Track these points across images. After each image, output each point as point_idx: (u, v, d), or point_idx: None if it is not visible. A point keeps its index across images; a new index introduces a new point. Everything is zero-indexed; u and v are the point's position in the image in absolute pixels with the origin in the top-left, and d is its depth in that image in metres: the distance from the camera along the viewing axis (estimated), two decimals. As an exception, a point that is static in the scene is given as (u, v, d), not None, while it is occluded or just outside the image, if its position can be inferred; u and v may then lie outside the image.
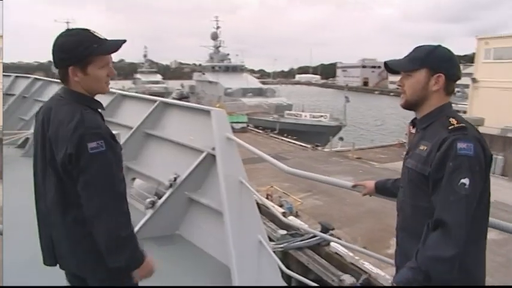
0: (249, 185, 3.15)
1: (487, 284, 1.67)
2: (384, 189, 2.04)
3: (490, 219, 1.63)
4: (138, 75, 75.66)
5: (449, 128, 1.51)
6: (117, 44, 1.70)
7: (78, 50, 1.61)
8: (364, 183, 2.14)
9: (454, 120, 1.54)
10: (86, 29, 1.68)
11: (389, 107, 66.57)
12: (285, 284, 3.13)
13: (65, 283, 1.94)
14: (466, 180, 1.43)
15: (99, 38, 1.66)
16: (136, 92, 6.54)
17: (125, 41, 1.72)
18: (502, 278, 8.28)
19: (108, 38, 1.72)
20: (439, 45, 1.67)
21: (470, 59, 24.04)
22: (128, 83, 66.87)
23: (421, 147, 1.58)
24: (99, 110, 1.76)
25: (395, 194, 1.90)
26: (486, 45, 22.75)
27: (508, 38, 22.31)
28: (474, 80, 23.02)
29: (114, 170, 1.63)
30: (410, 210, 1.66)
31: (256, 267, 2.89)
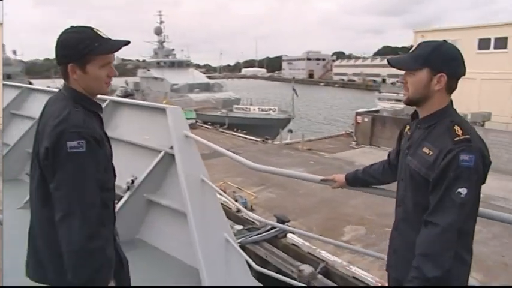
0: (211, 183, 3.08)
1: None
2: (355, 180, 2.10)
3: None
4: (77, 73, 72.01)
5: (455, 139, 1.54)
6: (118, 44, 1.66)
7: (78, 47, 1.58)
8: (334, 177, 2.17)
9: (459, 129, 1.57)
10: (90, 27, 1.65)
11: (334, 98, 68.68)
12: (255, 281, 3.10)
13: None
14: (463, 190, 1.50)
15: (102, 37, 1.63)
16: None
17: (128, 42, 1.69)
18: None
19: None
20: (444, 42, 1.66)
21: (407, 50, 25.24)
22: (66, 82, 63.34)
23: (426, 150, 1.63)
24: (96, 111, 1.71)
25: (369, 181, 2.04)
26: (422, 37, 24.00)
27: (441, 31, 23.80)
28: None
29: (89, 174, 1.53)
30: (412, 204, 1.73)
31: (225, 266, 2.84)
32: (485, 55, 20.94)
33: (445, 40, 1.69)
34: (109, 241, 1.64)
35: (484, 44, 21.29)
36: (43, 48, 39.23)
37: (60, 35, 1.62)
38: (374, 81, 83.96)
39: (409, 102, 1.74)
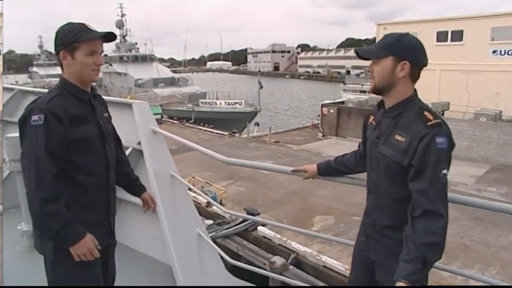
0: (181, 178, 3.05)
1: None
2: (328, 170, 2.15)
3: None
4: (34, 69, 69.06)
5: (428, 124, 1.64)
6: (100, 33, 1.88)
7: (68, 36, 1.84)
8: (305, 168, 2.20)
9: (429, 115, 1.67)
10: (82, 23, 1.89)
11: (300, 90, 69.34)
12: (229, 274, 3.10)
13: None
14: (445, 171, 1.62)
15: (90, 28, 1.87)
16: (35, 88, 5.88)
17: (111, 32, 1.92)
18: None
19: None
20: (407, 34, 1.77)
21: (371, 42, 25.82)
22: (22, 78, 60.53)
23: (398, 137, 1.71)
24: (80, 97, 1.90)
25: (342, 170, 2.09)
26: (384, 30, 24.58)
27: (402, 24, 24.40)
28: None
29: (41, 144, 1.72)
30: (385, 191, 1.81)
31: (198, 261, 2.82)
32: (443, 47, 21.69)
33: (408, 32, 1.80)
34: (67, 209, 1.77)
35: (442, 36, 22.04)
36: (-6, 43, 37.02)
37: (58, 29, 1.88)
38: (339, 72, 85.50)
39: (375, 90, 1.82)
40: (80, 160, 1.87)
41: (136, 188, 2.40)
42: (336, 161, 2.13)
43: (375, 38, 25.52)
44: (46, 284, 1.92)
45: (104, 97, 3.00)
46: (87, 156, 1.89)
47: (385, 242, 1.84)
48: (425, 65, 1.77)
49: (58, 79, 1.99)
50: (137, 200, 3.23)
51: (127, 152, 3.34)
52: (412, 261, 1.58)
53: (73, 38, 1.82)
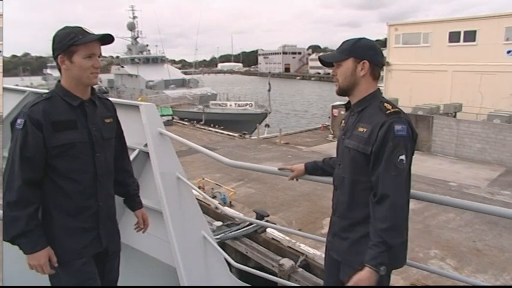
0: (187, 180, 3.04)
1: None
2: (315, 169, 2.21)
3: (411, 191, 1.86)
4: (48, 71, 70.03)
5: (387, 112, 1.74)
6: (97, 35, 1.86)
7: (65, 40, 1.83)
8: (292, 167, 2.25)
9: (388, 105, 1.79)
10: (79, 26, 1.88)
11: (311, 91, 69.12)
12: (234, 278, 3.09)
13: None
14: (403, 157, 1.69)
15: (87, 32, 1.86)
16: (49, 89, 5.91)
17: (109, 34, 1.88)
18: (422, 242, 9.06)
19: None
20: (363, 37, 1.92)
21: (382, 43, 25.60)
22: (37, 80, 61.51)
23: (360, 129, 1.81)
24: (69, 102, 1.87)
25: (328, 171, 2.14)
26: (396, 31, 24.42)
27: (414, 24, 24.20)
28: (387, 64, 24.67)
29: (17, 149, 1.75)
30: (349, 184, 1.88)
31: (203, 264, 2.82)
32: (455, 48, 21.44)
33: (364, 37, 1.93)
34: (33, 218, 1.78)
35: (454, 37, 21.77)
36: (9, 45, 37.90)
37: (55, 33, 1.87)
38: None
39: (340, 91, 1.94)
40: (62, 166, 1.85)
41: (132, 203, 2.34)
42: (323, 161, 2.20)
43: (386, 39, 25.25)
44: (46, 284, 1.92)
45: (110, 99, 2.99)
46: (71, 163, 1.86)
47: (350, 238, 1.89)
48: (384, 64, 1.92)
49: None
50: (142, 200, 3.25)
51: (134, 154, 3.36)
52: (374, 246, 1.68)
53: (71, 41, 1.81)
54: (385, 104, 1.79)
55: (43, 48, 78.46)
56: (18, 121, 1.77)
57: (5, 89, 5.80)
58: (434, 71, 21.74)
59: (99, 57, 1.91)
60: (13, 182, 1.74)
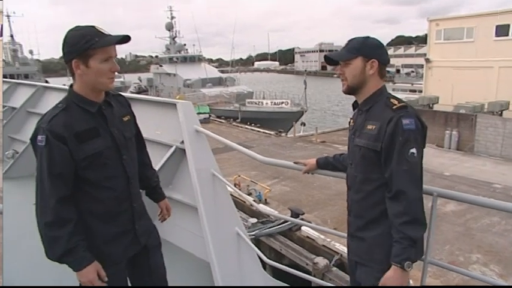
0: (222, 177, 3.09)
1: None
2: (326, 164, 2.27)
3: (443, 190, 1.86)
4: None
5: (394, 107, 1.75)
6: (116, 37, 1.74)
7: (80, 43, 1.68)
8: (305, 161, 2.34)
9: (395, 100, 1.80)
10: (92, 26, 1.74)
11: (347, 89, 67.66)
12: (266, 274, 3.11)
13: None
14: (414, 150, 1.68)
15: (102, 33, 1.72)
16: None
17: (127, 36, 1.75)
18: (462, 245, 8.72)
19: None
20: (369, 36, 1.92)
21: (422, 39, 24.79)
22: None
23: (369, 127, 1.82)
24: (87, 109, 1.78)
25: (338, 167, 2.19)
26: (437, 26, 23.55)
27: (456, 19, 23.23)
28: (428, 61, 23.87)
29: (45, 167, 1.68)
30: (362, 182, 1.88)
31: (236, 260, 2.85)
32: (503, 42, 20.38)
33: (369, 36, 1.92)
34: (74, 234, 1.72)
35: (502, 30, 20.69)
36: (58, 47, 40.76)
37: (65, 35, 1.72)
38: (388, 71, 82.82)
39: (348, 90, 1.93)
40: (93, 176, 1.78)
41: (155, 194, 2.31)
42: (334, 158, 2.24)
43: (426, 35, 24.41)
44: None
45: (148, 97, 3.03)
46: (101, 171, 1.80)
47: (366, 237, 1.88)
48: (389, 62, 1.91)
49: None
50: (178, 196, 3.34)
51: (170, 151, 3.46)
52: (397, 243, 1.69)
53: (86, 44, 1.67)
54: (391, 100, 1.80)
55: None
56: (39, 137, 1.67)
57: (51, 87, 6.16)
58: (479, 68, 20.79)
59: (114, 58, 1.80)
60: (46, 201, 1.68)
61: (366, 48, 1.87)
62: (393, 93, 1.91)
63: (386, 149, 1.73)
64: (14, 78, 9.46)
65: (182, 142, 3.28)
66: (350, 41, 1.93)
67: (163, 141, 3.60)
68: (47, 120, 1.70)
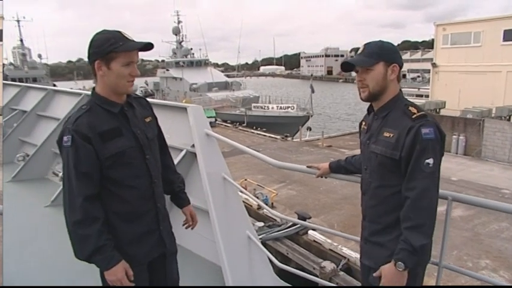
0: (233, 180, 3.10)
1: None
2: (339, 168, 2.27)
3: (458, 194, 1.87)
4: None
5: (413, 117, 1.74)
6: (140, 44, 1.80)
7: (104, 45, 1.75)
8: (318, 165, 2.34)
9: (414, 108, 1.78)
10: (118, 31, 1.80)
11: (354, 94, 67.79)
12: (277, 278, 3.11)
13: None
14: (430, 160, 1.67)
15: (127, 38, 1.79)
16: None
17: (150, 43, 1.81)
18: (470, 251, 8.66)
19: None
20: (382, 40, 1.90)
21: (428, 44, 24.73)
22: (89, 83, 64.62)
23: (386, 134, 1.81)
24: (110, 109, 1.83)
25: (351, 170, 2.20)
26: (444, 31, 23.50)
27: (463, 23, 23.16)
28: (434, 65, 23.80)
29: (71, 167, 1.73)
30: (377, 189, 1.87)
31: (248, 263, 2.86)
32: (511, 46, 20.28)
33: (381, 40, 1.89)
34: (103, 232, 1.75)
35: (509, 35, 20.57)
36: (65, 51, 41.04)
37: (92, 37, 1.79)
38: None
39: (370, 96, 1.89)
40: (117, 175, 1.82)
41: (179, 199, 2.31)
42: (346, 161, 2.24)
43: (432, 40, 24.33)
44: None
45: (159, 101, 3.04)
46: (125, 171, 1.84)
47: (381, 243, 1.87)
48: (402, 66, 1.91)
49: None
50: (190, 199, 3.34)
51: (181, 155, 3.48)
52: (399, 243, 1.71)
53: (110, 47, 1.74)
54: (410, 108, 1.78)
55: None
56: (65, 138, 1.73)
57: (61, 91, 6.22)
58: (486, 72, 20.70)
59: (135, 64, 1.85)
60: (74, 200, 1.72)
61: (386, 53, 1.85)
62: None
63: (405, 158, 1.72)
64: (22, 82, 9.57)
65: (193, 146, 3.30)
66: (366, 45, 1.90)
67: (174, 145, 3.61)
68: (71, 121, 1.76)
